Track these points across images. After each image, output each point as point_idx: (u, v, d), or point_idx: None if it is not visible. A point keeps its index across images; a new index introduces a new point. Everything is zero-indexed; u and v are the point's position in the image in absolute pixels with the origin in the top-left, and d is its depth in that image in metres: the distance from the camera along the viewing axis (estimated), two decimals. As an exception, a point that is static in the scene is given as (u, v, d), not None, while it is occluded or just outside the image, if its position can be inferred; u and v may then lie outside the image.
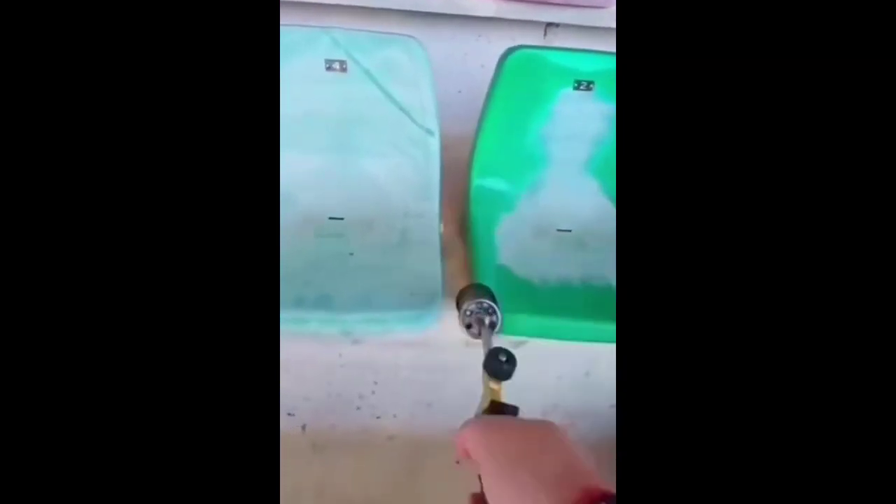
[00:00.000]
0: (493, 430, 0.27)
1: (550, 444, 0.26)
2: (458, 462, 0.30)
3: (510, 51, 0.59)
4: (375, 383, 0.67)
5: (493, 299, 0.42)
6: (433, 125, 0.62)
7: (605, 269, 0.60)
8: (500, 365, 0.33)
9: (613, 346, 0.65)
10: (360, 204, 0.64)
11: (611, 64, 0.62)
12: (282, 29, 0.55)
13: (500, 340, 0.62)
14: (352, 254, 0.57)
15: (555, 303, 0.54)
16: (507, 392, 0.72)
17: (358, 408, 0.72)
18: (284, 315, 0.46)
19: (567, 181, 0.68)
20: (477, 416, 0.34)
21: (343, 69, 0.59)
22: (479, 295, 0.44)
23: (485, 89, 0.63)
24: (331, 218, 0.63)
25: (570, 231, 0.66)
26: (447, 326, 0.58)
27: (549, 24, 0.96)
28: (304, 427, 0.72)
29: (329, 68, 0.59)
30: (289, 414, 0.70)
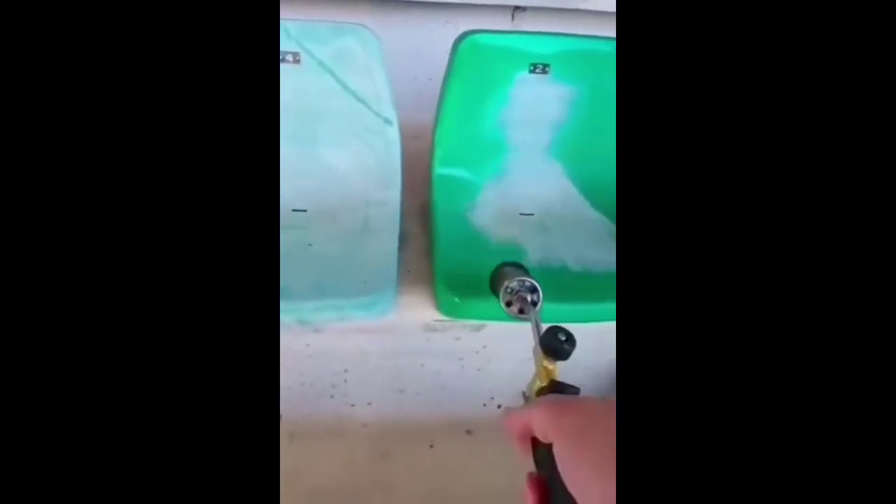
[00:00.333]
0: (563, 410, 0.26)
1: None
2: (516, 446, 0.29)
3: (462, 36, 0.59)
4: (346, 371, 0.68)
5: (533, 277, 0.43)
6: (390, 114, 0.62)
7: (562, 251, 0.61)
8: (560, 344, 0.33)
9: (580, 325, 0.66)
10: (323, 195, 0.65)
11: (565, 45, 0.61)
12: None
13: (458, 325, 0.63)
14: (310, 244, 0.58)
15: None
16: (485, 370, 0.73)
17: (331, 396, 0.73)
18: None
19: (530, 166, 0.68)
20: (526, 395, 0.34)
21: (296, 61, 0.59)
22: (517, 273, 0.44)
23: (455, 76, 0.63)
24: (294, 210, 0.64)
25: (532, 215, 0.66)
26: (407, 312, 0.59)
27: (516, 8, 0.96)
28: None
29: (283, 60, 0.59)
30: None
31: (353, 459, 0.73)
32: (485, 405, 0.76)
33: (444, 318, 0.55)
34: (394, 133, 0.63)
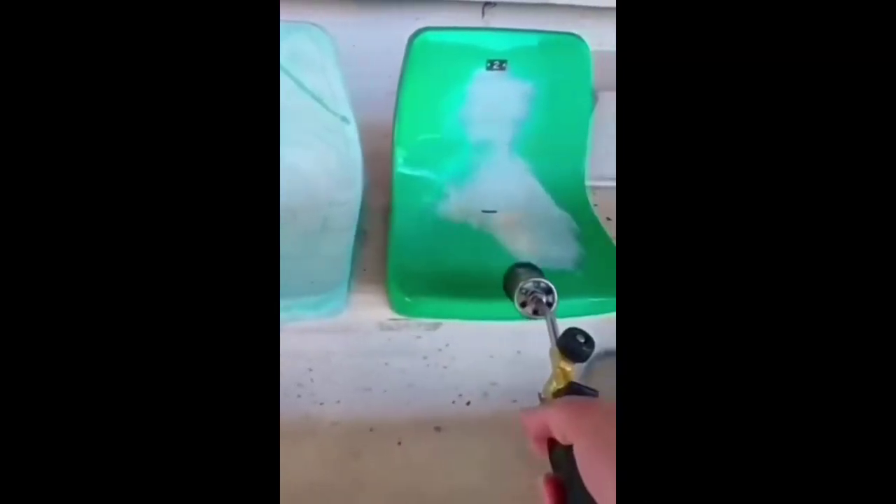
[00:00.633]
0: (582, 411, 0.26)
1: None
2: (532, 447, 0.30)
3: (416, 34, 0.59)
4: (311, 370, 0.68)
5: (547, 278, 0.43)
6: (347, 112, 0.62)
7: (525, 249, 0.61)
8: (579, 346, 0.33)
9: (541, 323, 0.67)
10: (285, 194, 0.65)
11: (522, 41, 0.61)
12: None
13: (414, 324, 0.63)
14: (268, 245, 0.58)
15: (466, 284, 0.54)
16: (450, 368, 0.73)
17: (298, 396, 0.73)
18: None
19: (492, 164, 0.68)
20: (542, 396, 0.34)
21: (252, 61, 0.59)
22: (532, 274, 0.44)
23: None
24: (255, 210, 0.64)
25: (495, 212, 0.66)
26: (362, 311, 0.59)
27: (486, 4, 0.96)
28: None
29: (238, 61, 0.59)
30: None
31: (324, 459, 0.74)
32: (453, 402, 0.75)
33: (398, 316, 0.55)
34: (352, 132, 0.63)
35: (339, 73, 0.59)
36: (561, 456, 0.27)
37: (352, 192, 0.63)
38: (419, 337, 0.68)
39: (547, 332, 0.37)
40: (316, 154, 0.64)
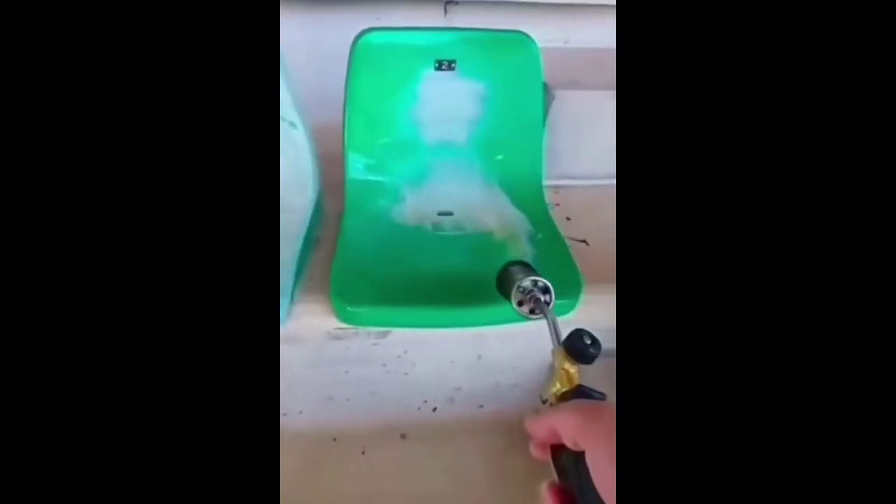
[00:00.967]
0: (594, 415, 0.25)
1: None
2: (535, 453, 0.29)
3: (359, 35, 0.57)
4: (270, 381, 0.67)
5: (545, 277, 0.43)
6: (295, 117, 0.60)
7: (473, 255, 0.59)
8: (585, 347, 0.31)
9: (499, 327, 0.65)
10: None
11: (469, 40, 0.60)
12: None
13: (362, 332, 0.62)
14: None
15: (418, 290, 0.53)
16: (412, 374, 0.72)
17: (260, 406, 0.72)
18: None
19: (449, 165, 0.67)
20: (544, 398, 0.32)
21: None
22: (529, 273, 0.43)
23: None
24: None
25: (451, 214, 0.65)
26: (308, 320, 0.57)
27: (448, 2, 0.94)
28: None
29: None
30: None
31: (287, 471, 0.73)
32: (419, 409, 0.75)
33: (345, 325, 0.54)
34: (301, 137, 0.61)
35: (287, 79, 0.58)
36: (570, 462, 0.26)
37: (302, 199, 0.61)
38: (376, 344, 0.67)
39: (547, 333, 0.36)
40: (267, 160, 0.63)
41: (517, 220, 0.65)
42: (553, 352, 0.32)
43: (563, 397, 0.31)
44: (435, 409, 0.79)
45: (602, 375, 0.38)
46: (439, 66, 0.60)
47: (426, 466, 0.75)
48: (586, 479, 0.24)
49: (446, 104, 0.62)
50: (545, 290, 0.41)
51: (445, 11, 0.93)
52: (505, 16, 0.93)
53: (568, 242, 0.61)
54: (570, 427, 0.25)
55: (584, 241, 0.65)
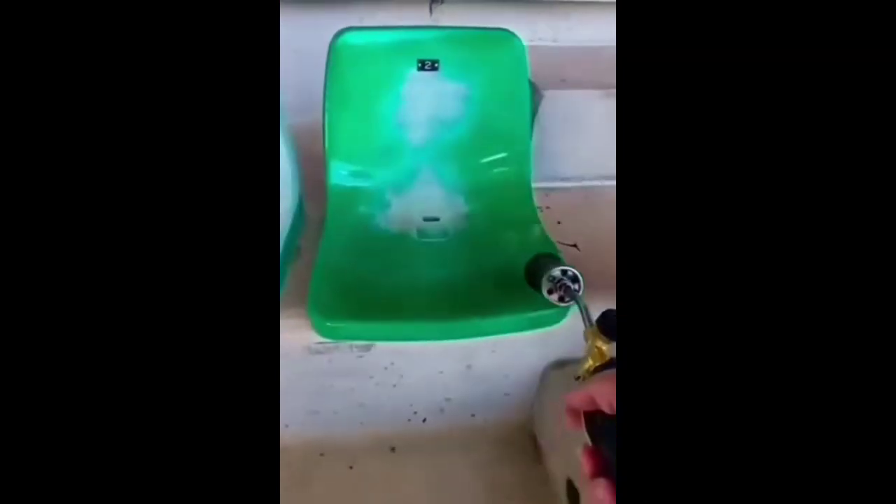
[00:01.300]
0: None
1: None
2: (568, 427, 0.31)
3: (336, 35, 0.55)
4: (252, 396, 0.65)
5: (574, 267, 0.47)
6: (272, 122, 0.58)
7: (459, 263, 0.57)
8: (616, 325, 0.34)
9: (488, 339, 0.63)
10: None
11: (452, 39, 0.58)
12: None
13: (343, 346, 0.60)
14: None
15: (401, 301, 0.51)
16: (401, 385, 0.70)
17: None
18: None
19: (435, 169, 0.65)
20: (579, 375, 0.36)
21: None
22: (558, 263, 0.47)
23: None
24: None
25: (437, 220, 0.63)
26: (288, 335, 0.55)
27: (433, 1, 0.92)
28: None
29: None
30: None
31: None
32: (409, 420, 0.72)
33: (325, 340, 0.52)
34: (280, 141, 0.59)
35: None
36: (606, 427, 0.28)
37: (281, 205, 0.59)
38: (360, 356, 0.65)
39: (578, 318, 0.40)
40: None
41: (504, 224, 0.63)
42: (585, 333, 0.35)
43: (598, 370, 0.34)
44: (425, 420, 0.77)
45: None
46: (422, 66, 0.57)
47: (416, 480, 0.72)
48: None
49: (430, 105, 0.60)
50: (574, 279, 0.45)
51: (431, 10, 0.90)
52: (491, 14, 0.91)
53: (559, 248, 0.59)
54: (607, 392, 0.27)
55: (574, 246, 0.63)
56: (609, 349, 0.33)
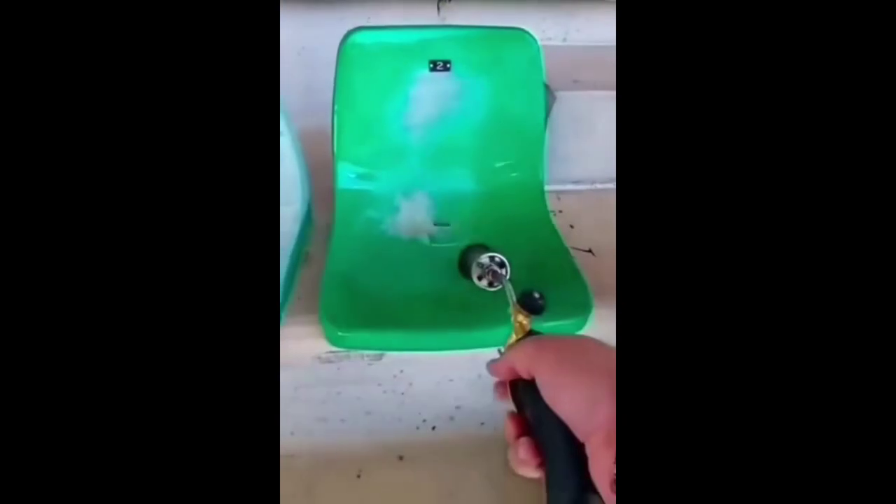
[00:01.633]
0: (543, 345, 0.29)
1: (599, 348, 0.28)
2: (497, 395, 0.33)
3: (348, 35, 0.54)
4: (259, 404, 0.64)
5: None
6: (281, 125, 0.57)
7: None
8: (535, 300, 0.37)
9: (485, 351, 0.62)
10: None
11: (466, 38, 0.56)
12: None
13: (355, 355, 0.59)
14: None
15: (414, 309, 0.50)
16: (409, 394, 0.69)
17: (249, 429, 0.68)
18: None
19: (444, 173, 0.63)
20: (503, 351, 0.36)
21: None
22: (486, 250, 0.49)
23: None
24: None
25: (447, 225, 0.61)
26: (297, 344, 0.54)
27: (441, 0, 0.91)
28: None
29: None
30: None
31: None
32: (417, 428, 0.71)
33: (336, 349, 0.50)
34: (287, 144, 0.58)
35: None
36: (525, 391, 0.29)
37: (288, 210, 0.58)
38: (370, 364, 0.64)
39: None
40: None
41: (517, 231, 0.61)
42: (510, 313, 0.36)
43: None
44: (434, 429, 0.76)
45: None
46: (434, 66, 0.56)
47: (425, 489, 0.71)
48: (539, 401, 0.27)
49: (442, 107, 0.59)
50: (501, 265, 0.47)
51: (439, 9, 0.89)
52: (499, 12, 0.90)
53: (572, 253, 0.57)
54: (523, 359, 0.28)
55: (589, 251, 0.61)
56: (528, 322, 0.34)
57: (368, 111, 0.57)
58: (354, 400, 0.69)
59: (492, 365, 0.31)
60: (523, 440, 0.28)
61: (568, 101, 0.69)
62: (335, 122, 0.57)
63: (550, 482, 0.26)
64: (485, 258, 0.48)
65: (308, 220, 0.63)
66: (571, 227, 0.69)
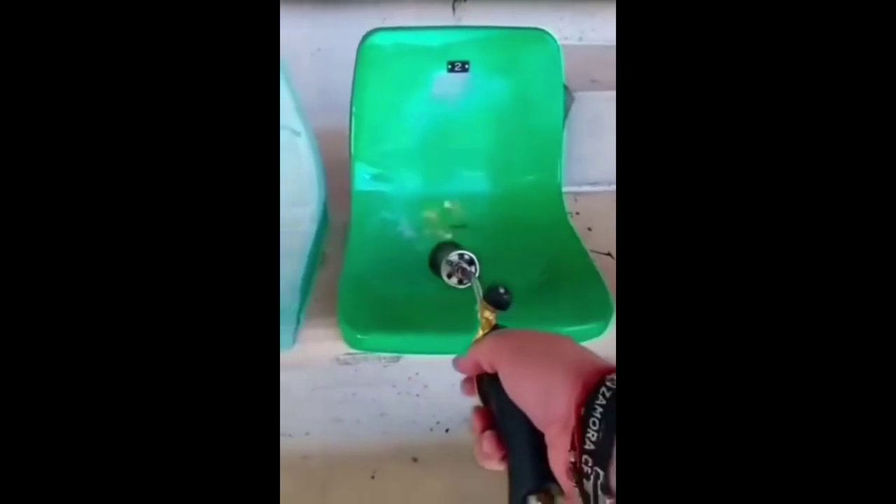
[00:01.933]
0: (505, 336, 0.30)
1: (561, 342, 0.28)
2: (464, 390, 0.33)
3: (366, 36, 0.54)
4: (274, 404, 0.64)
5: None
6: (298, 125, 0.57)
7: (487, 272, 0.55)
8: (500, 296, 0.37)
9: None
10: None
11: (485, 39, 0.56)
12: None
13: (372, 357, 0.58)
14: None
15: (431, 312, 0.49)
16: (424, 396, 0.69)
17: (265, 429, 0.68)
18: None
19: (462, 174, 0.63)
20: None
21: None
22: (455, 248, 0.49)
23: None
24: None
25: (465, 227, 0.61)
26: (315, 345, 0.54)
27: (456, 0, 0.90)
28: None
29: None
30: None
31: (291, 494, 0.69)
32: (431, 430, 0.71)
33: (354, 351, 0.50)
34: (304, 145, 0.58)
35: (288, 83, 0.54)
36: (489, 385, 0.29)
37: (305, 211, 0.58)
38: (386, 367, 0.63)
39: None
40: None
41: (533, 232, 0.61)
42: (477, 309, 0.37)
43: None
44: (448, 431, 0.75)
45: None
46: (452, 67, 0.56)
47: (438, 491, 0.71)
48: (501, 394, 0.27)
49: (459, 108, 0.58)
50: (470, 262, 0.47)
51: (454, 9, 0.88)
52: (515, 11, 0.89)
53: (592, 256, 0.57)
54: (485, 353, 0.29)
55: (609, 255, 0.61)
56: (494, 317, 0.34)
57: (386, 112, 0.57)
58: (370, 402, 0.69)
59: (457, 360, 0.31)
60: (487, 433, 0.28)
61: (585, 102, 0.68)
62: (352, 123, 0.57)
63: (512, 473, 0.27)
64: (454, 256, 0.47)
65: (324, 221, 0.63)
66: (589, 229, 0.68)
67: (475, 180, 0.61)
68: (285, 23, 0.67)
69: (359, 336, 0.46)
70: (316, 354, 0.51)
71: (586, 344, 0.50)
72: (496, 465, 0.28)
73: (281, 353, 0.48)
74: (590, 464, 0.22)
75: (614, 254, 0.62)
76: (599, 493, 0.22)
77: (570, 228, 0.59)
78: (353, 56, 0.86)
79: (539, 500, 0.25)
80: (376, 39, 0.53)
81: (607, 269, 0.57)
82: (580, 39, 0.99)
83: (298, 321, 0.50)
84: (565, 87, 0.64)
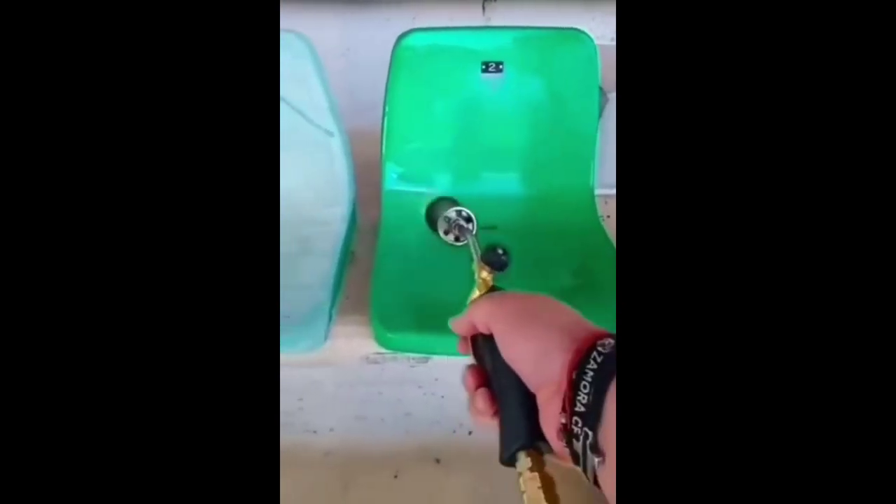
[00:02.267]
0: (501, 301, 0.30)
1: (556, 306, 0.28)
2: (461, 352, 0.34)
3: (402, 36, 0.54)
4: (301, 400, 0.64)
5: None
6: (331, 125, 0.57)
7: (516, 273, 0.55)
8: (498, 257, 0.40)
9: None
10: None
11: (521, 39, 0.55)
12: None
13: (401, 357, 0.58)
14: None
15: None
16: (449, 397, 0.69)
17: (291, 425, 0.69)
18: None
19: (493, 176, 0.62)
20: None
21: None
22: (453, 204, 0.49)
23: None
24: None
25: (495, 228, 0.61)
26: (345, 343, 0.54)
27: (486, 0, 0.90)
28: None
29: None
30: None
31: (312, 491, 0.70)
32: (454, 432, 0.70)
33: (384, 350, 0.50)
34: (337, 145, 0.58)
35: (322, 83, 0.54)
36: (484, 344, 0.29)
37: (336, 210, 0.58)
38: (413, 367, 0.63)
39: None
40: (295, 170, 0.59)
41: (565, 233, 0.60)
42: (474, 269, 0.36)
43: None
44: (470, 433, 0.75)
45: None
46: (486, 68, 0.55)
47: (461, 493, 0.71)
48: (496, 355, 0.27)
49: (493, 109, 0.58)
50: (468, 220, 0.46)
51: (484, 9, 0.88)
52: (545, 11, 0.88)
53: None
54: (482, 314, 0.29)
55: (639, 259, 0.60)
56: (491, 278, 0.34)
57: (419, 113, 0.57)
58: (395, 401, 0.69)
59: (453, 321, 0.32)
60: (481, 391, 0.29)
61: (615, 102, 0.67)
62: (385, 124, 0.57)
63: (504, 430, 0.28)
64: (451, 212, 0.47)
65: (353, 219, 0.63)
66: (620, 233, 0.68)
67: (507, 181, 0.61)
68: (315, 24, 0.68)
69: (390, 335, 0.46)
70: (345, 352, 0.52)
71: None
72: (488, 421, 0.29)
73: (313, 351, 0.48)
74: (579, 425, 0.23)
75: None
76: (588, 452, 0.23)
77: (603, 232, 0.58)
78: (383, 56, 0.86)
79: (528, 455, 0.26)
80: (411, 40, 0.53)
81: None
82: (612, 39, 0.97)
83: (330, 318, 0.50)
84: (600, 88, 0.63)
